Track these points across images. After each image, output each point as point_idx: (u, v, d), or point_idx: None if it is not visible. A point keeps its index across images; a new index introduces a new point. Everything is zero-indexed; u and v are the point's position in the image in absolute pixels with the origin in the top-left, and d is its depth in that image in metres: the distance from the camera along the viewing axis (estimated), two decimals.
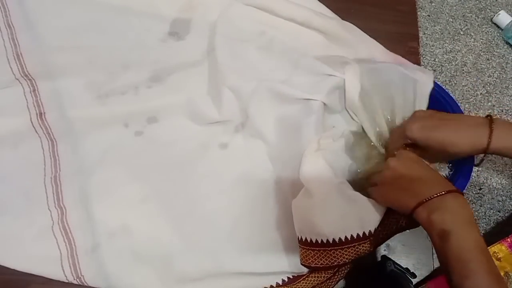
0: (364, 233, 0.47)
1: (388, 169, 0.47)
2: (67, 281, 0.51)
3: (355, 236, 0.47)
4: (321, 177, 0.51)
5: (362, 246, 0.47)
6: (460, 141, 0.47)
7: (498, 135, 0.45)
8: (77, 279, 0.51)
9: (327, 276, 0.53)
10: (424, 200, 0.41)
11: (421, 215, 0.41)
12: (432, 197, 0.41)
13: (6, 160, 0.56)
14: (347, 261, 0.47)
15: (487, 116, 0.48)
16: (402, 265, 0.55)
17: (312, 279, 0.53)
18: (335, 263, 0.47)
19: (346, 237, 0.47)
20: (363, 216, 0.47)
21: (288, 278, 0.54)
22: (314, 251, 0.48)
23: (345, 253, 0.47)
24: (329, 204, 0.48)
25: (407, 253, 0.59)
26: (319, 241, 0.48)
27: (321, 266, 0.48)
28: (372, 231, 0.47)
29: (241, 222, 0.56)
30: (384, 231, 0.48)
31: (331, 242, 0.47)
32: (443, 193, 0.41)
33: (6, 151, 0.56)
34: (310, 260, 0.49)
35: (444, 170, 0.57)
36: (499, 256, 0.55)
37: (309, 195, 0.50)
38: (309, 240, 0.49)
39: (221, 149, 0.59)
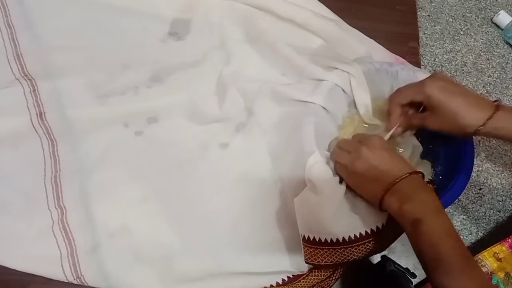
0: (372, 230, 0.47)
1: (360, 158, 0.48)
2: (67, 281, 0.51)
3: (363, 233, 0.47)
4: (328, 179, 0.51)
5: (372, 244, 0.47)
6: (472, 115, 0.47)
7: (498, 117, 0.47)
8: (77, 279, 0.51)
9: (327, 275, 0.53)
10: (390, 186, 0.44)
11: (392, 206, 0.44)
12: (395, 182, 0.44)
13: (6, 160, 0.55)
14: (356, 258, 0.48)
15: (495, 101, 0.49)
16: (402, 265, 0.55)
17: (312, 278, 0.53)
18: (345, 260, 0.48)
19: (355, 235, 0.47)
20: (370, 214, 0.48)
21: (288, 277, 0.54)
22: (323, 250, 0.48)
23: (355, 251, 0.47)
24: (338, 203, 0.49)
25: (407, 253, 0.59)
26: (329, 240, 0.48)
27: (331, 263, 0.48)
28: (380, 227, 0.47)
29: (241, 221, 0.56)
30: (393, 230, 0.48)
31: (341, 241, 0.47)
32: (404, 176, 0.44)
33: (6, 151, 0.56)
34: (320, 259, 0.49)
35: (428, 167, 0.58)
36: (500, 257, 0.55)
37: (316, 193, 0.50)
38: (317, 239, 0.48)
39: (221, 149, 0.59)
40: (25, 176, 0.55)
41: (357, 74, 0.59)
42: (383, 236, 0.48)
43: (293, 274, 0.54)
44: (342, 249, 0.47)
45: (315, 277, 0.53)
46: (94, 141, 0.58)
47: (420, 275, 0.56)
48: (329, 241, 0.48)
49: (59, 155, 0.56)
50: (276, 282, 0.54)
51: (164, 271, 0.53)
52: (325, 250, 0.48)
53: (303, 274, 0.54)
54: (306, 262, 0.50)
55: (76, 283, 0.51)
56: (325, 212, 0.48)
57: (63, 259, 0.51)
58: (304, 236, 0.50)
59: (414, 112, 0.55)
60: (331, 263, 0.48)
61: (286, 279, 0.54)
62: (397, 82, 0.59)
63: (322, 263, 0.49)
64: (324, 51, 0.65)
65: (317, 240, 0.48)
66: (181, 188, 0.57)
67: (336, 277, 0.53)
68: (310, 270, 0.54)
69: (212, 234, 0.55)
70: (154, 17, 0.67)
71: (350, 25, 0.70)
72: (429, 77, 0.52)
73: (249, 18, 0.66)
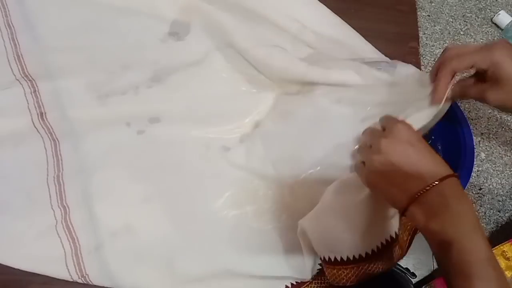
0: (391, 236, 0.46)
1: (378, 152, 0.40)
2: (71, 280, 0.51)
3: (384, 243, 0.46)
4: (344, 194, 0.48)
5: (395, 251, 0.46)
6: None
7: None
8: (82, 278, 0.51)
9: (329, 282, 0.53)
10: (416, 196, 0.36)
11: (417, 220, 0.36)
12: (423, 191, 0.36)
13: (9, 160, 0.55)
14: (381, 270, 0.45)
15: None
16: (402, 265, 0.55)
17: (315, 286, 0.53)
18: (371, 274, 0.45)
19: (377, 247, 0.45)
20: (385, 222, 0.46)
21: (292, 284, 0.54)
22: (347, 269, 0.46)
23: (379, 263, 0.46)
24: (355, 219, 0.45)
25: (407, 253, 0.59)
26: (351, 258, 0.45)
27: (357, 281, 0.46)
28: (397, 232, 0.46)
29: (243, 223, 0.56)
30: (407, 233, 0.47)
31: (364, 256, 0.45)
32: (435, 184, 0.36)
33: (8, 151, 0.56)
34: (345, 280, 0.46)
35: None
36: (507, 256, 0.55)
37: (332, 211, 0.47)
38: (339, 258, 0.46)
39: (223, 150, 0.60)
40: (28, 175, 0.55)
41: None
42: (401, 243, 0.46)
43: (296, 281, 0.54)
44: (366, 265, 0.45)
45: (318, 285, 0.53)
46: (96, 141, 0.58)
47: (420, 275, 0.57)
48: (351, 259, 0.45)
49: (61, 155, 0.56)
50: None
51: (166, 271, 0.53)
52: (349, 268, 0.45)
53: (305, 282, 0.54)
54: (332, 284, 0.48)
55: (81, 282, 0.51)
56: (344, 230, 0.46)
57: (68, 258, 0.51)
58: (324, 257, 0.48)
59: (471, 80, 0.46)
60: (357, 281, 0.45)
61: (289, 286, 0.54)
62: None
63: (348, 284, 0.46)
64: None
65: (339, 260, 0.46)
66: (183, 188, 0.57)
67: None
68: (313, 278, 0.53)
69: (214, 235, 0.55)
70: (154, 17, 0.67)
71: (350, 25, 0.70)
72: (495, 43, 0.43)
73: (248, 21, 0.66)
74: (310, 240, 0.49)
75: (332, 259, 0.46)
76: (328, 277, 0.49)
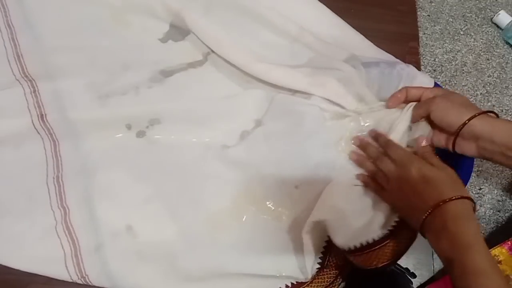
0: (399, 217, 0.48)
1: (399, 178, 0.46)
2: (71, 281, 0.51)
3: (394, 224, 0.48)
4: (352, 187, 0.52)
5: (407, 231, 0.47)
6: (456, 113, 0.46)
7: (479, 121, 0.45)
8: (82, 279, 0.51)
9: (330, 281, 0.53)
10: (426, 214, 0.41)
11: (431, 239, 0.42)
12: (430, 210, 0.41)
13: (9, 161, 0.55)
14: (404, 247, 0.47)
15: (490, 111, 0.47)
16: (402, 265, 0.55)
17: (315, 285, 0.53)
18: (399, 252, 0.47)
19: (390, 230, 0.48)
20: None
21: (292, 283, 0.54)
22: (374, 252, 0.47)
23: (402, 239, 0.47)
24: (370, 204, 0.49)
25: (407, 253, 0.58)
26: (374, 239, 0.47)
27: (387, 261, 0.47)
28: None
29: (244, 223, 0.56)
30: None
31: (382, 237, 0.47)
32: (441, 203, 0.41)
33: (8, 152, 0.56)
34: (376, 261, 0.47)
35: None
36: (499, 259, 0.55)
37: (346, 203, 0.50)
38: (364, 243, 0.47)
39: (224, 150, 0.59)
40: (28, 176, 0.55)
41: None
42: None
43: (296, 280, 0.54)
44: (391, 243, 0.47)
45: (319, 284, 0.53)
46: (96, 142, 0.58)
47: (420, 275, 0.57)
48: (376, 239, 0.47)
49: (61, 155, 0.56)
50: (279, 287, 0.54)
51: (167, 271, 0.53)
52: (376, 250, 0.47)
53: (306, 282, 0.54)
54: (364, 268, 0.49)
55: (81, 282, 0.51)
56: (360, 212, 0.48)
57: (67, 259, 0.51)
58: (349, 248, 0.48)
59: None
60: (386, 261, 0.47)
61: (289, 285, 0.54)
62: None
63: (379, 265, 0.47)
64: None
65: (364, 245, 0.47)
66: (184, 189, 0.57)
67: (339, 282, 0.53)
68: (313, 278, 0.54)
69: (215, 235, 0.55)
70: (154, 17, 0.67)
71: (350, 25, 0.70)
72: (445, 94, 0.50)
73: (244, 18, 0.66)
74: (330, 234, 0.50)
75: (358, 246, 0.48)
76: (356, 265, 0.49)
